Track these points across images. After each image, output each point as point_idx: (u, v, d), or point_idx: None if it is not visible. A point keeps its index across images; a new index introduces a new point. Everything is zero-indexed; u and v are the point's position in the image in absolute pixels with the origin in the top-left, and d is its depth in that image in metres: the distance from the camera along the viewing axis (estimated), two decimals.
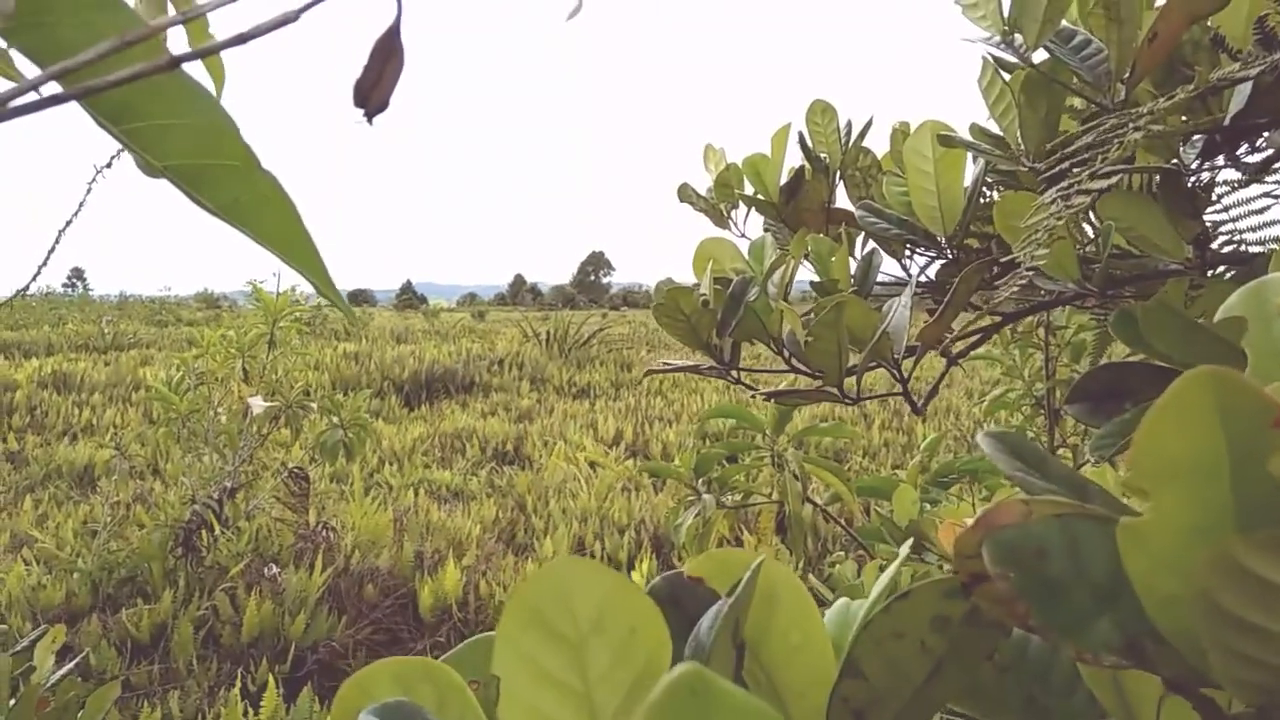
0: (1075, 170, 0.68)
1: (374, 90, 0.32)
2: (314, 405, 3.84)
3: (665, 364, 1.14)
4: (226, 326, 4.69)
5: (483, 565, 3.76)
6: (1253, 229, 1.06)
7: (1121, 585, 0.28)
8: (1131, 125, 0.60)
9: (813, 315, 0.90)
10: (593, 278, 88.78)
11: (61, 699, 1.45)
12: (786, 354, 1.07)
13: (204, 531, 3.51)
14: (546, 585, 0.34)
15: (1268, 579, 0.23)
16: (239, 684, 2.71)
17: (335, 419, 3.96)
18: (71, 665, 1.56)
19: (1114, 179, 0.59)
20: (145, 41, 0.41)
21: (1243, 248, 1.08)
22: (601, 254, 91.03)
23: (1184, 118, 0.73)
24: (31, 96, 0.33)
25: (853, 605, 0.44)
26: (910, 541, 0.49)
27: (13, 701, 1.40)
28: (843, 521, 2.54)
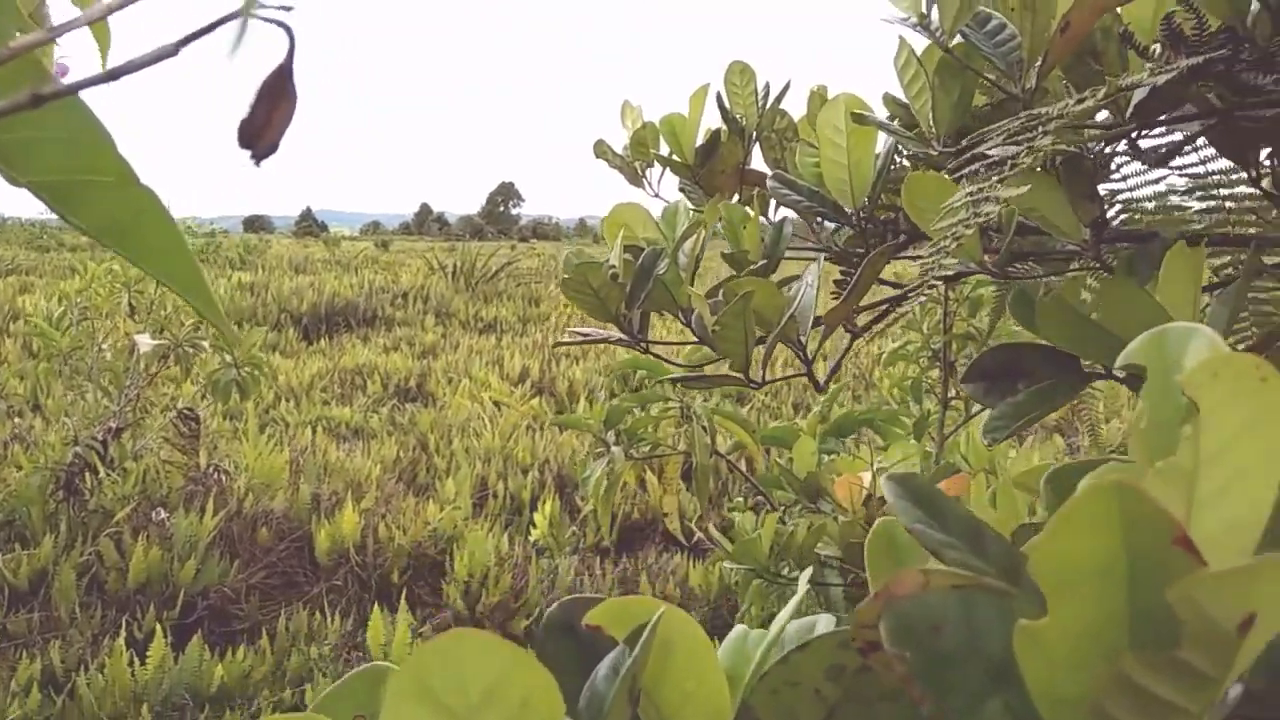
0: (983, 169, 0.67)
1: (263, 133, 0.29)
2: (206, 344, 3.69)
3: (575, 333, 1.12)
4: (112, 257, 4.45)
5: (382, 508, 3.72)
6: (1149, 199, 1.09)
7: (1014, 664, 0.28)
8: (1041, 129, 0.59)
9: (721, 298, 0.89)
10: (502, 209, 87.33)
11: None
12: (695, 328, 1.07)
13: (87, 474, 3.37)
14: (438, 658, 0.33)
15: (1159, 696, 0.23)
16: (124, 632, 2.63)
17: (229, 357, 3.81)
18: None
19: (1023, 185, 0.59)
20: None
21: (1138, 217, 1.11)
22: (511, 185, 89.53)
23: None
24: None
25: (751, 636, 0.43)
26: (809, 573, 0.48)
27: None
28: (745, 470, 2.58)
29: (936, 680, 0.28)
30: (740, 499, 2.71)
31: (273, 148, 0.31)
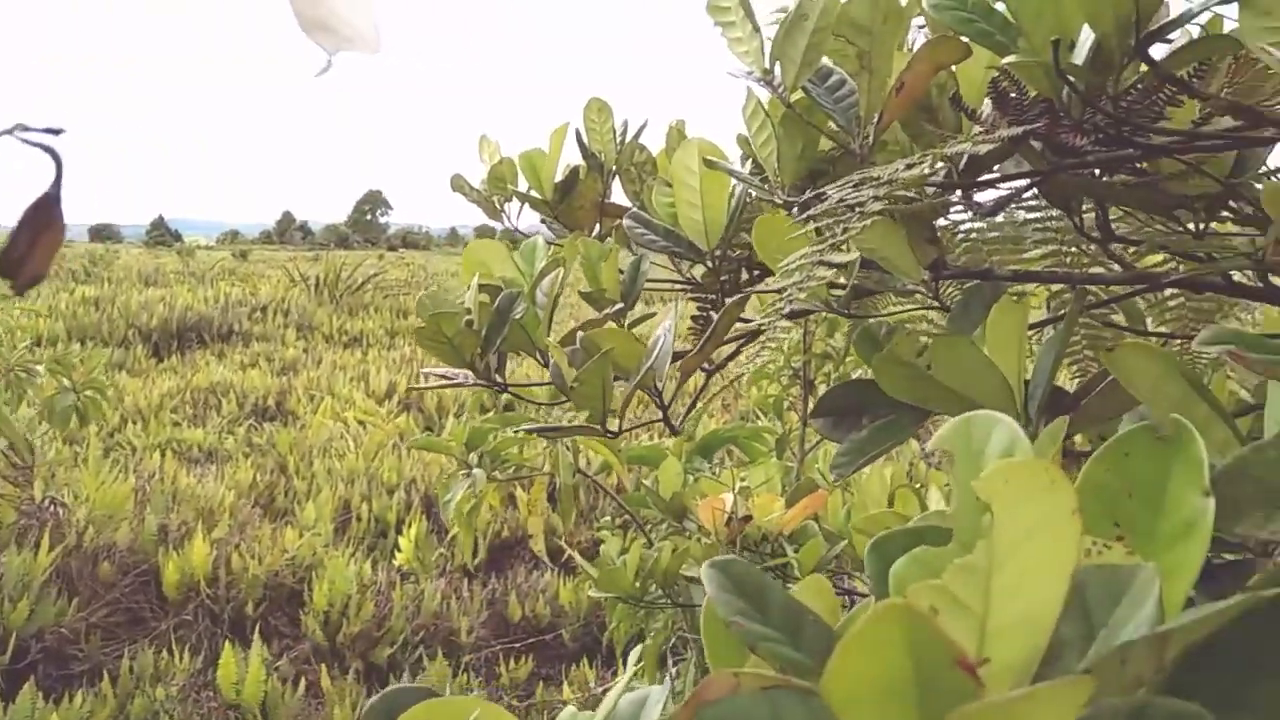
0: (821, 221, 0.69)
1: (25, 262, 0.27)
2: (40, 369, 3.45)
3: (432, 374, 1.10)
4: None
5: (236, 536, 3.55)
6: (986, 230, 1.15)
7: None
8: (872, 196, 0.62)
9: (579, 346, 0.89)
10: (369, 217, 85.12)
11: None
12: None
13: None
14: None
15: None
16: None
17: (67, 380, 3.58)
18: None
19: (854, 253, 0.61)
20: None
21: (980, 245, 1.16)
22: (379, 193, 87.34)
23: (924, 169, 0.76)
24: None
25: (578, 718, 0.43)
26: (637, 653, 0.49)
27: None
28: (612, 490, 2.58)
29: None
30: (608, 518, 2.72)
31: (37, 278, 0.29)
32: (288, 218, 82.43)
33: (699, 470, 2.37)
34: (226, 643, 2.71)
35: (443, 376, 1.11)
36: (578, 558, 1.97)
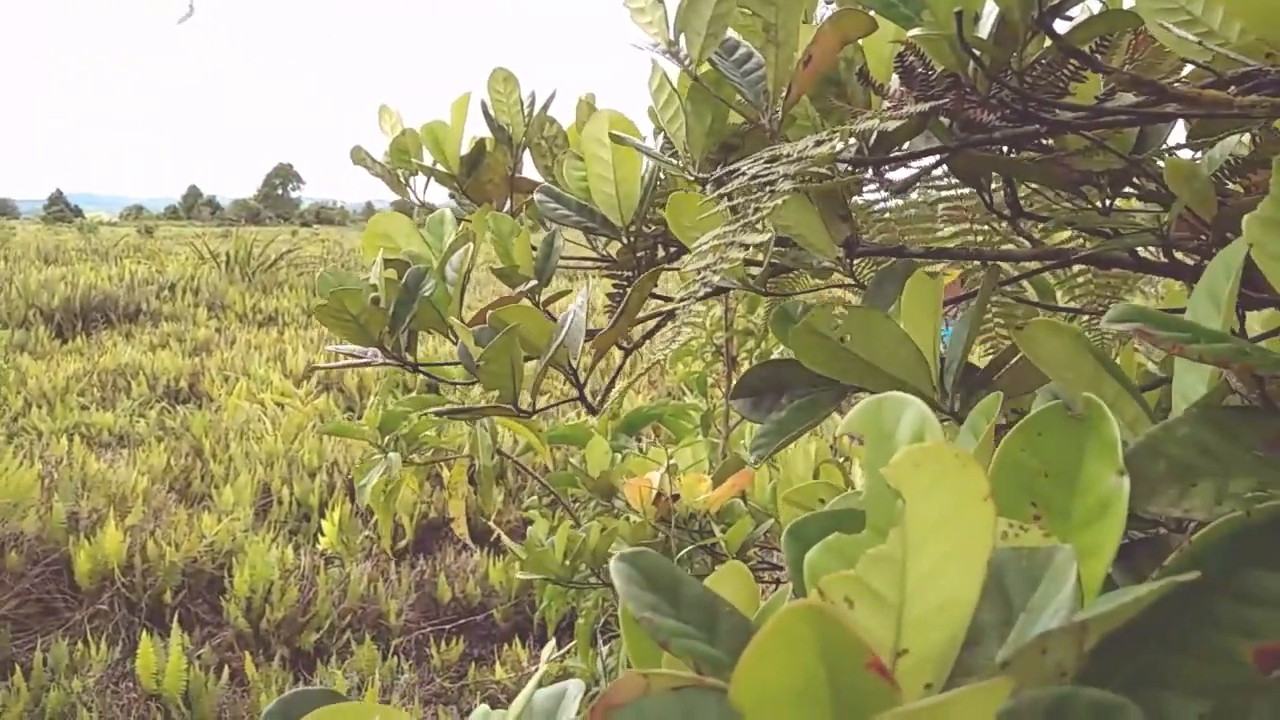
0: (734, 198, 0.68)
1: None
2: None
3: (337, 352, 1.06)
4: None
5: (151, 522, 3.44)
6: (900, 208, 1.16)
7: None
8: (782, 174, 0.61)
9: (488, 324, 0.87)
10: (280, 192, 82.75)
11: None
12: None
13: None
14: None
15: None
16: None
17: None
18: None
19: (768, 233, 0.61)
20: None
21: (894, 224, 1.17)
22: (290, 166, 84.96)
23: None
24: None
25: (492, 717, 0.42)
26: (550, 648, 0.48)
27: None
28: (536, 472, 2.56)
29: None
30: (535, 498, 2.71)
31: None
32: (194, 192, 79.66)
33: (625, 449, 2.37)
34: (144, 632, 2.63)
35: (351, 355, 1.08)
36: (506, 539, 1.95)
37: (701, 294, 0.63)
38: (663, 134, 1.10)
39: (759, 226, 0.63)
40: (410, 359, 1.05)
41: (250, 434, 4.83)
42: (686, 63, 0.77)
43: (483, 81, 1.29)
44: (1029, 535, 0.41)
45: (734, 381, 2.50)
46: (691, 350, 2.55)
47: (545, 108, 1.26)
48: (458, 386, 2.13)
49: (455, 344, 1.07)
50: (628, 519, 1.83)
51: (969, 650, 0.32)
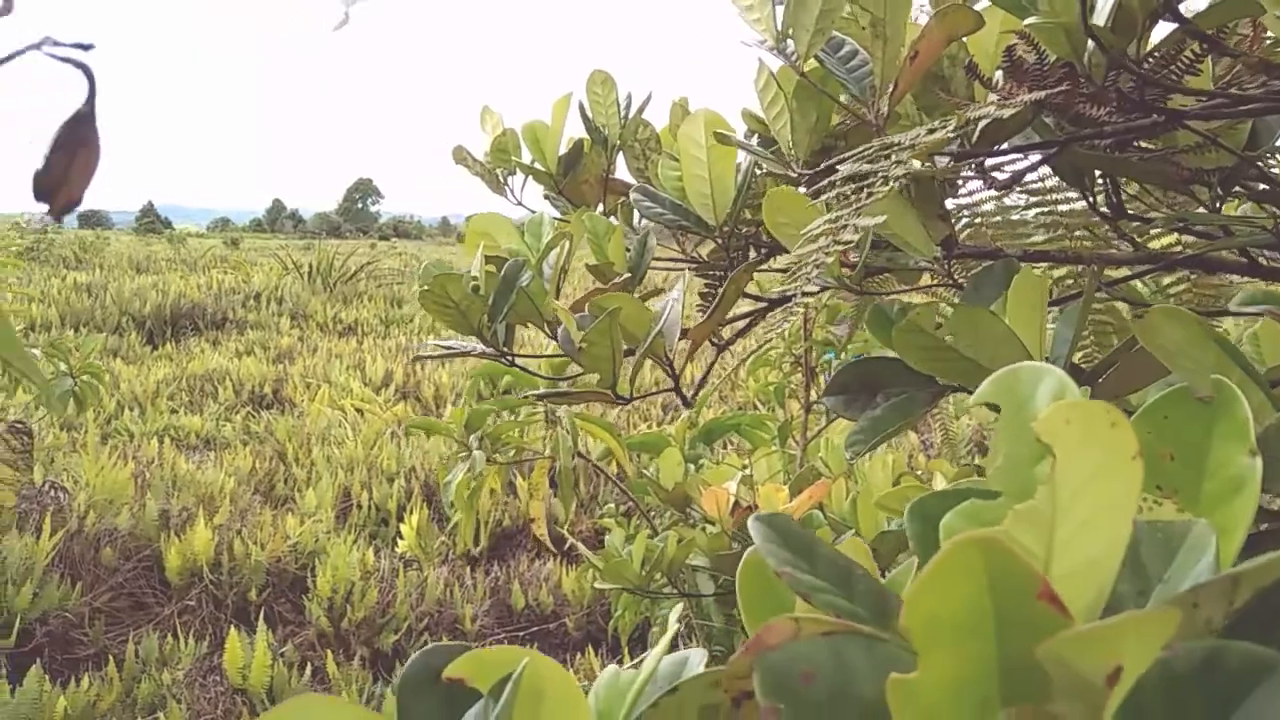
0: (841, 188, 0.69)
1: (61, 186, 0.26)
2: (37, 351, 3.43)
3: (437, 344, 1.09)
4: None
5: (237, 522, 3.55)
6: (993, 215, 1.14)
7: (888, 710, 0.29)
8: (895, 159, 0.61)
9: (587, 312, 0.89)
10: (360, 206, 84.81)
11: None
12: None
13: None
14: None
15: None
16: None
17: (63, 365, 3.57)
18: None
19: (880, 215, 0.61)
20: None
21: (985, 230, 1.16)
22: (370, 181, 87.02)
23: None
24: None
25: (622, 676, 0.43)
26: (679, 610, 0.48)
27: None
28: (615, 476, 2.58)
29: None
30: (611, 505, 2.72)
31: (74, 202, 0.28)
32: (278, 205, 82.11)
33: (701, 458, 2.37)
34: (231, 628, 2.71)
35: (447, 348, 1.11)
36: (582, 548, 1.97)
37: (812, 279, 0.63)
38: (755, 136, 1.12)
39: (869, 213, 0.64)
40: (507, 351, 1.07)
41: (331, 439, 4.95)
42: (794, 59, 0.78)
43: (551, 94, 1.31)
44: (1163, 510, 0.41)
45: (812, 392, 2.48)
46: (769, 360, 2.54)
47: (640, 110, 1.28)
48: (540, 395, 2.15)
49: (550, 337, 1.09)
50: (704, 529, 1.83)
51: (1111, 613, 0.32)
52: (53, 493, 3.41)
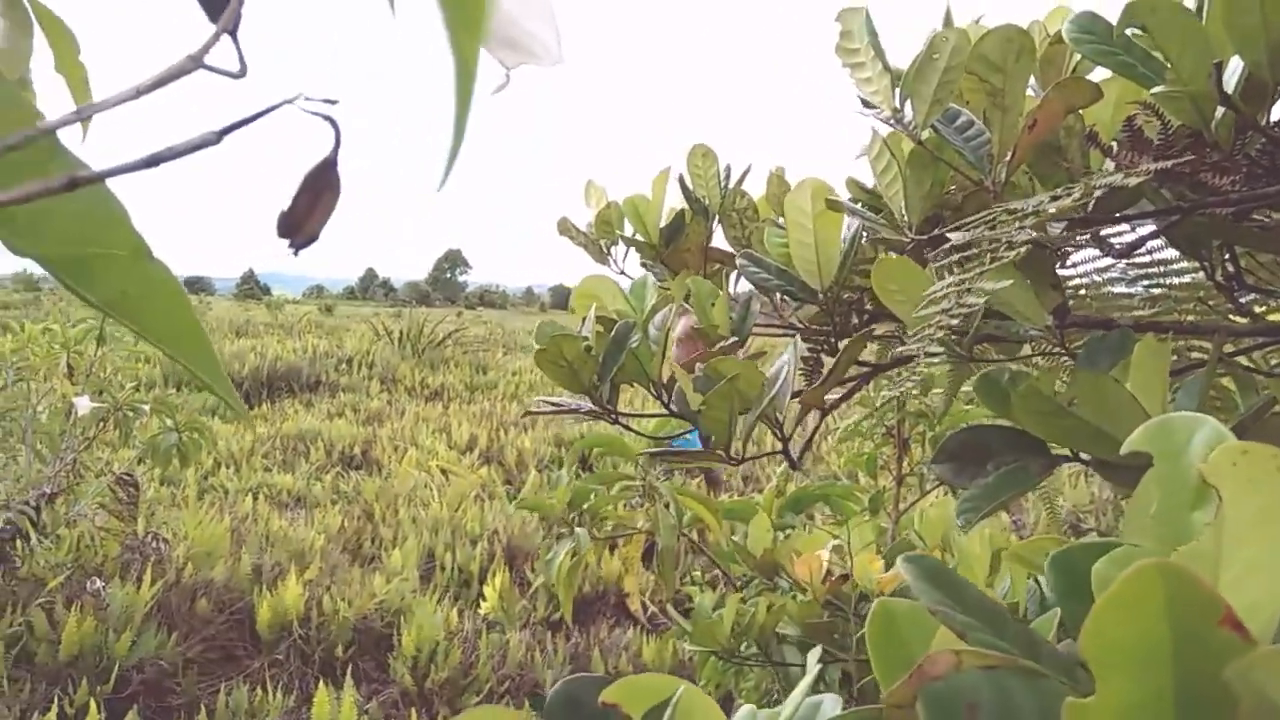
0: (964, 252, 0.70)
1: (304, 224, 0.29)
2: (146, 407, 3.60)
3: (545, 401, 1.12)
4: (49, 316, 4.34)
5: (326, 579, 3.62)
6: (1100, 286, 1.13)
7: None
8: (1018, 225, 0.62)
9: (702, 375, 0.91)
10: (449, 275, 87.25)
11: None
12: (666, 400, 1.08)
13: (18, 540, 3.24)
14: None
15: None
16: (55, 707, 2.51)
17: (169, 421, 3.73)
18: None
19: (1004, 279, 0.62)
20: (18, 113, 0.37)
21: (1089, 301, 1.15)
22: (458, 251, 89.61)
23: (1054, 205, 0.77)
24: None
25: (759, 715, 0.43)
26: (818, 653, 0.49)
27: None
28: (704, 546, 2.57)
29: None
30: (698, 572, 2.70)
31: (312, 238, 0.31)
32: (370, 274, 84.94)
33: (790, 527, 2.35)
34: (319, 683, 2.75)
35: (553, 405, 1.14)
36: (671, 611, 1.95)
37: (935, 340, 0.64)
38: (861, 204, 1.14)
39: (987, 279, 0.65)
40: (612, 409, 1.09)
41: (417, 500, 5.03)
42: (911, 127, 0.80)
43: (644, 172, 1.35)
44: None
45: (904, 464, 2.45)
46: (860, 432, 2.52)
47: (740, 181, 1.31)
48: (635, 470, 2.17)
49: (654, 397, 1.11)
50: (795, 597, 1.81)
51: None
52: (154, 543, 3.54)
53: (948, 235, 0.81)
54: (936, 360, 0.79)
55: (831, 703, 0.45)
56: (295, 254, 0.31)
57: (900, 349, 0.84)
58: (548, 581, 1.94)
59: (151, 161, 0.27)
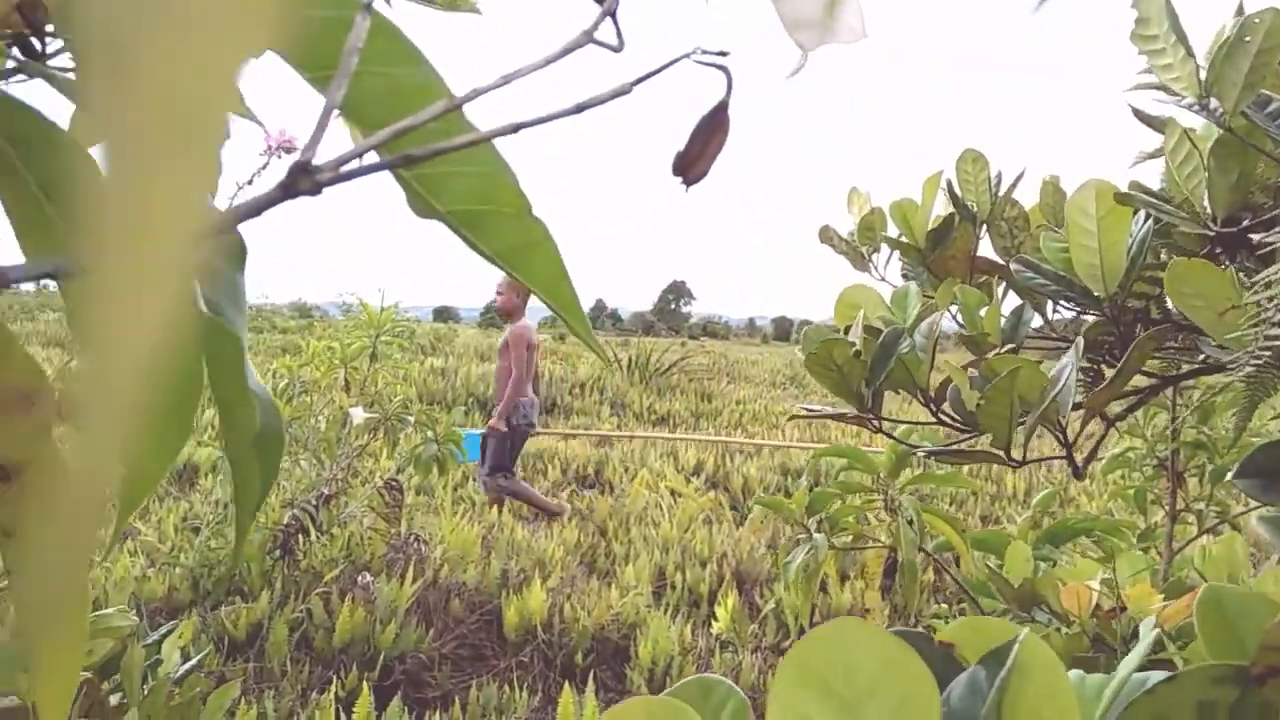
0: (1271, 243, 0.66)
1: (696, 162, 0.33)
2: (411, 419, 3.92)
3: (806, 408, 1.14)
4: (323, 337, 4.82)
5: (567, 588, 3.78)
6: None
7: None
8: None
9: (977, 373, 0.89)
10: (673, 306, 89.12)
11: (187, 694, 1.50)
12: (935, 407, 1.07)
13: (300, 536, 3.61)
14: (826, 645, 0.35)
15: None
16: (333, 688, 2.77)
17: (430, 433, 4.04)
18: (195, 661, 1.61)
19: None
20: (436, 90, 0.43)
21: None
22: (683, 283, 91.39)
23: None
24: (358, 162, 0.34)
25: (1087, 680, 0.43)
26: (1145, 646, 0.48)
27: (144, 692, 1.45)
28: (954, 572, 2.48)
29: None
30: (944, 605, 2.61)
31: (703, 175, 0.35)
32: (600, 305, 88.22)
33: (1049, 558, 2.23)
34: (564, 685, 2.87)
35: (820, 414, 1.15)
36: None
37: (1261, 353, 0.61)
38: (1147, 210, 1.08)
39: None
40: (876, 416, 1.10)
41: (648, 520, 5.15)
42: (1219, 115, 0.76)
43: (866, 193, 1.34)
44: None
45: (1179, 499, 2.26)
46: (1128, 462, 2.35)
47: (1011, 189, 1.28)
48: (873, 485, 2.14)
49: (922, 404, 1.10)
50: (1059, 629, 1.71)
51: None
52: (415, 545, 3.83)
53: (1254, 234, 0.76)
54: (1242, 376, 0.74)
55: (1159, 675, 0.44)
56: (686, 189, 0.35)
57: (1206, 357, 0.79)
58: (785, 581, 1.94)
59: (578, 109, 0.32)
